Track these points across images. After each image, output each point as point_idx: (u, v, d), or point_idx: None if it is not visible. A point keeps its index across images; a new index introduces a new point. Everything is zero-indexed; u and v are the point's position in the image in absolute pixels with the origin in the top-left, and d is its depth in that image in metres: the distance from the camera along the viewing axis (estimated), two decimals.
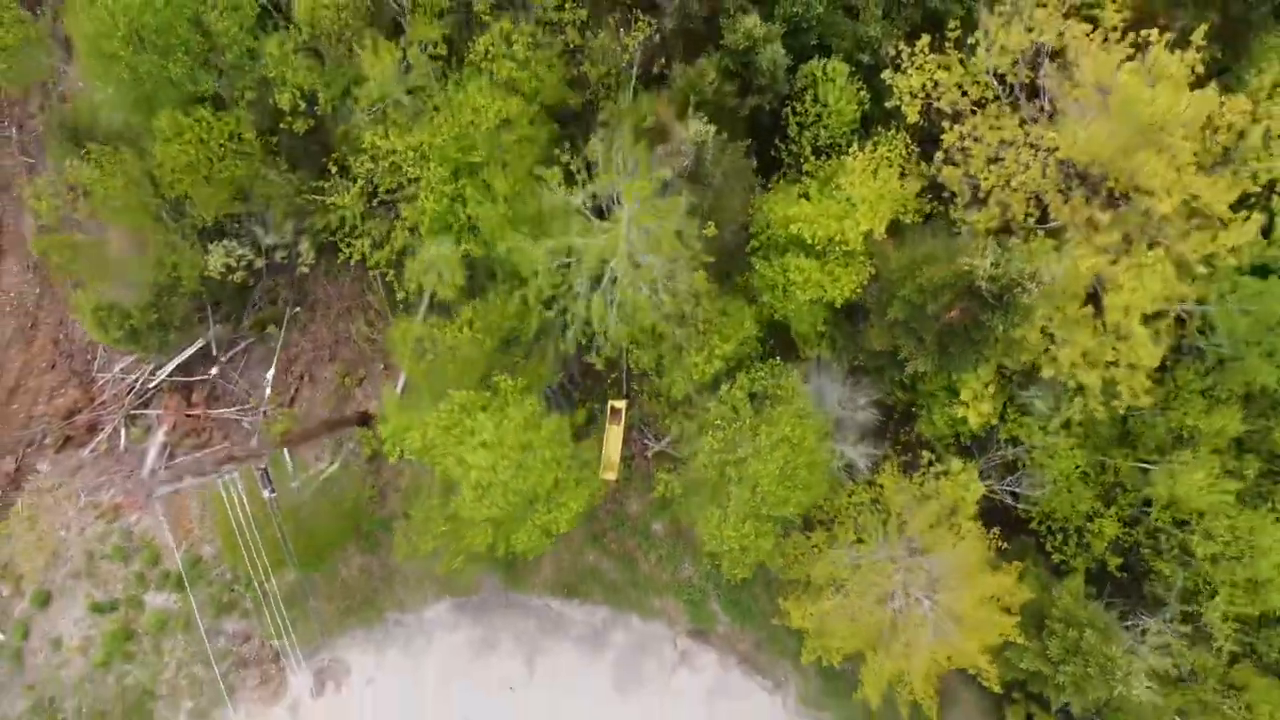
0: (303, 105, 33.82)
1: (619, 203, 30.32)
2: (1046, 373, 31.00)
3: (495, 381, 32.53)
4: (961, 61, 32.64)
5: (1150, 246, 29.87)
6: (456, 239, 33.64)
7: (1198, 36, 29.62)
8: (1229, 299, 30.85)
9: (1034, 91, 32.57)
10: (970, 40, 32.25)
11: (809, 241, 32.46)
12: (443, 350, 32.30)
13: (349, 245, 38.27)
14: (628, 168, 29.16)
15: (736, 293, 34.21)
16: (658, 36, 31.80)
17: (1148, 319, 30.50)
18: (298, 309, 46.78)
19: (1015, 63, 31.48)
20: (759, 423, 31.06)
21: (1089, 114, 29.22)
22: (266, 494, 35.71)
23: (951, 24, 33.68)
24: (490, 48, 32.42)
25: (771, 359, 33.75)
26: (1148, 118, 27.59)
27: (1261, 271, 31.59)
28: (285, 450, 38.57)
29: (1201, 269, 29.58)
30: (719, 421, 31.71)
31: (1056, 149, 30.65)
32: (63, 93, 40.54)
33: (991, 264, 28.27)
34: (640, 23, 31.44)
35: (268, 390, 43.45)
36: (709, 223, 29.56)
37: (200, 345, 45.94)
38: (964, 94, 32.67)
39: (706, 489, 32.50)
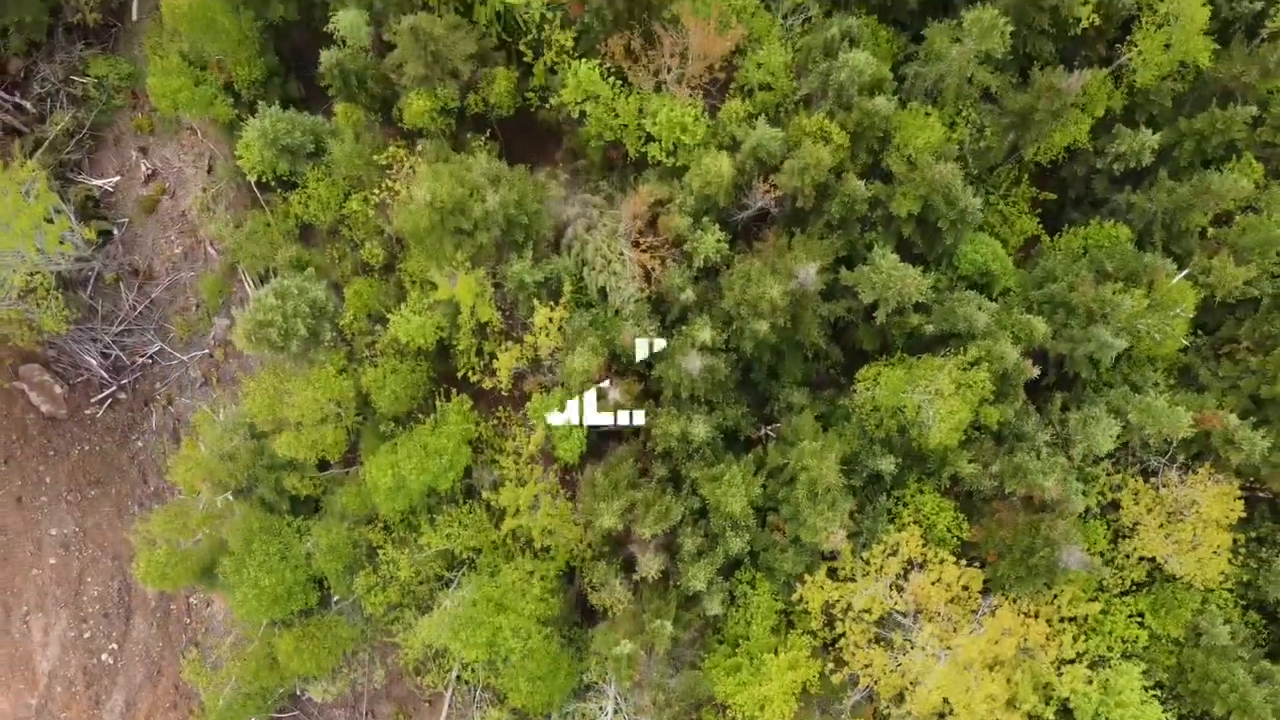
0: (383, 612, 47.65)
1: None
2: None
3: None
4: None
5: None
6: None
7: (996, 625, 43.48)
8: None
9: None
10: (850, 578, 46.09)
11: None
12: None
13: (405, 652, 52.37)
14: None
15: None
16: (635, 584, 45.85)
17: None
18: None
19: (883, 617, 45.33)
20: None
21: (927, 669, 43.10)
22: None
23: (849, 545, 47.53)
24: (515, 582, 46.25)
25: None
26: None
27: None
28: None
29: None
30: None
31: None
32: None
33: None
34: (622, 589, 45.25)
35: None
36: None
37: None
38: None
39: None
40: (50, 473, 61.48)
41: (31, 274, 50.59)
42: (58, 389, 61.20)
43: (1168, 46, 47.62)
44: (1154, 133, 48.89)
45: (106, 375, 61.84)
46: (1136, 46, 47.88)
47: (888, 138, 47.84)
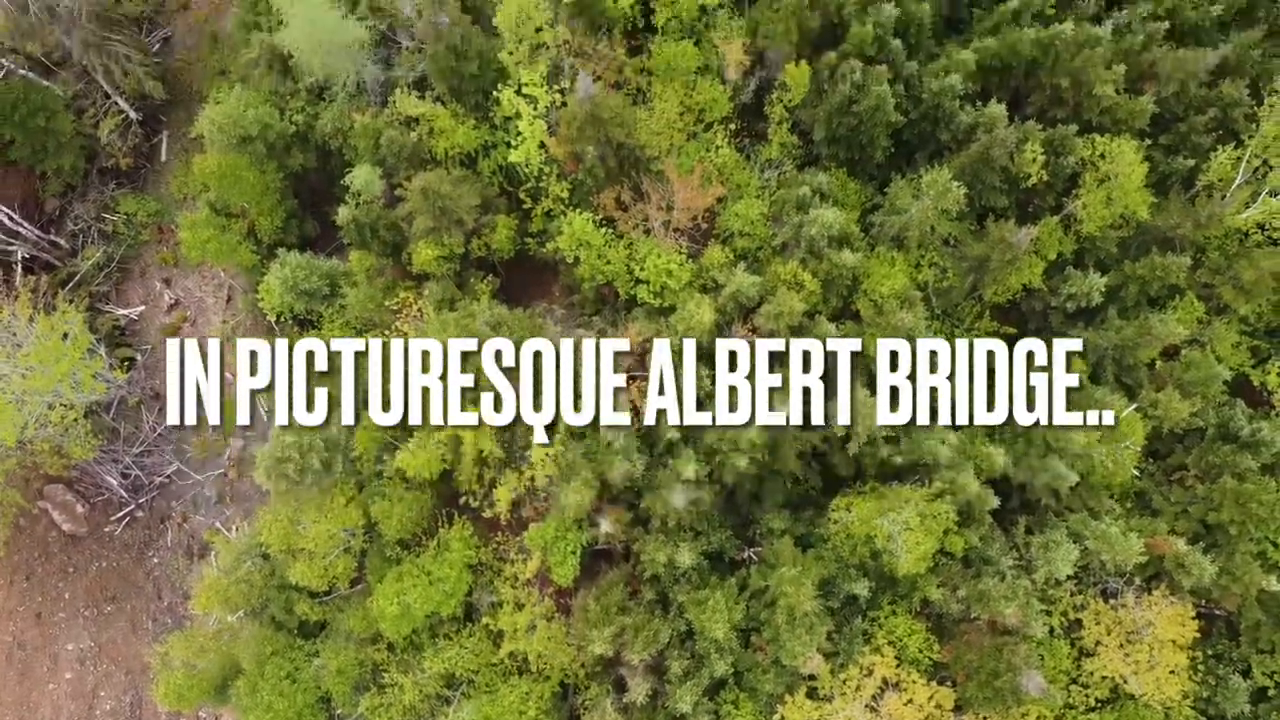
0: None
1: None
2: None
3: None
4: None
5: None
6: None
7: None
8: None
9: None
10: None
11: None
12: None
13: None
14: None
15: None
16: None
17: None
18: None
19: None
20: None
21: None
22: None
23: (827, 666, 50.35)
24: (513, 703, 48.95)
25: None
26: None
27: None
28: None
29: None
30: None
31: None
32: None
33: None
34: (613, 712, 48.00)
35: None
36: None
37: None
38: None
39: None
40: (69, 589, 64.32)
41: (68, 409, 54.35)
42: (79, 508, 64.43)
43: (1110, 200, 52.25)
44: (1102, 275, 53.15)
45: (126, 494, 65.08)
46: (1080, 200, 52.51)
47: (857, 283, 52.18)
